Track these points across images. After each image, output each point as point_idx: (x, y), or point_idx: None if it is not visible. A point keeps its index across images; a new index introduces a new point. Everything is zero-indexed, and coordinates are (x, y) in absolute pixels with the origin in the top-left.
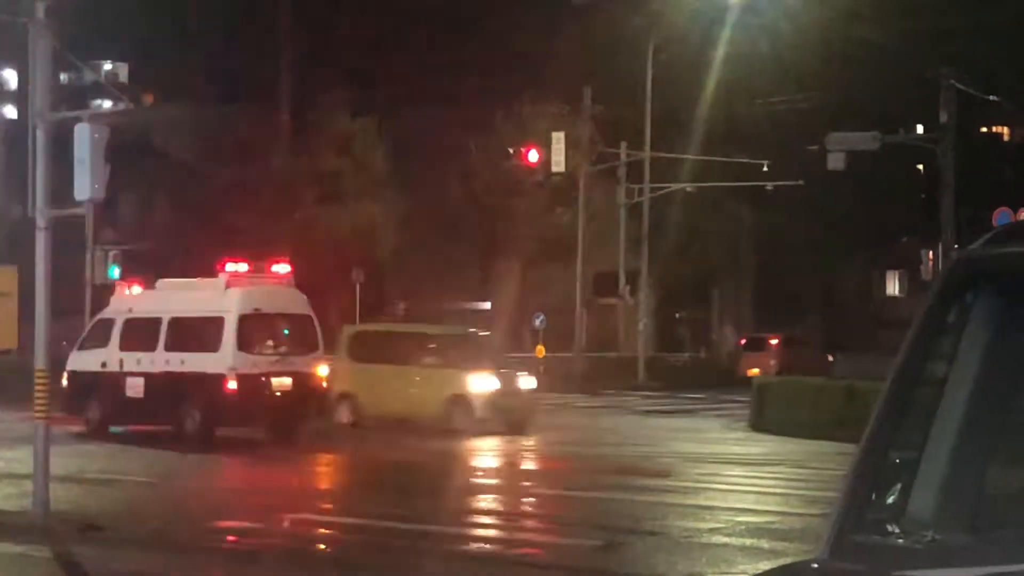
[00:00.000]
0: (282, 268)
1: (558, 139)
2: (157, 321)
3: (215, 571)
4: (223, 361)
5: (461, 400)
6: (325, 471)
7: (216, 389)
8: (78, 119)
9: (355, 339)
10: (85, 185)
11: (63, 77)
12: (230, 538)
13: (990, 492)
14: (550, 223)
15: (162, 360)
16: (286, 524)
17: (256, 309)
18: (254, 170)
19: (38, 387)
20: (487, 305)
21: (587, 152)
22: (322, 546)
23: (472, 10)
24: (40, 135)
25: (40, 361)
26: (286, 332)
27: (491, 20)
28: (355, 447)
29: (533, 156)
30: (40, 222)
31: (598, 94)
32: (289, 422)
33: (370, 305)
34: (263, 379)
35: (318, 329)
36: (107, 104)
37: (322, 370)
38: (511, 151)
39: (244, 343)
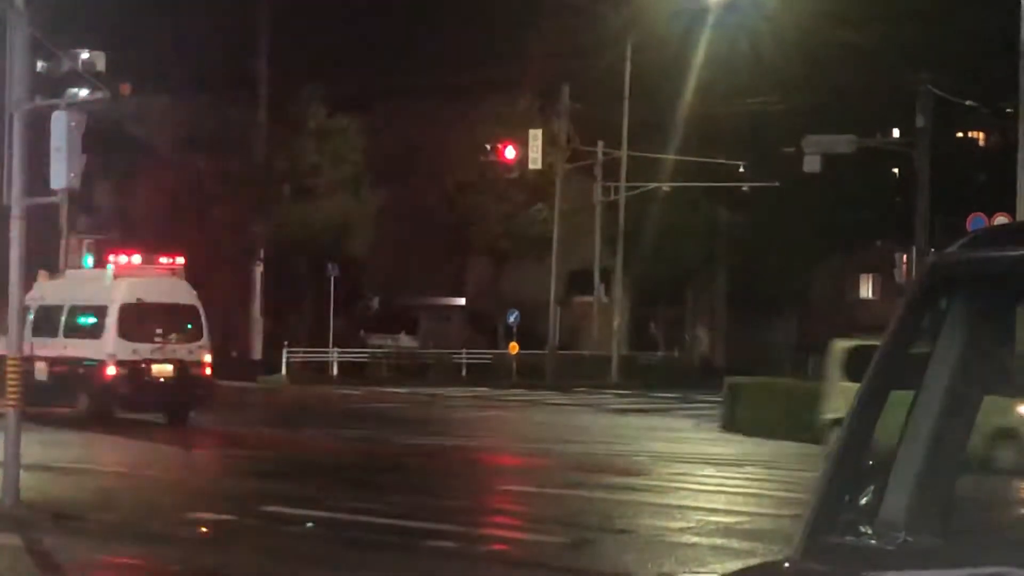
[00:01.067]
0: (173, 260)
1: (535, 136)
2: (60, 309)
3: (186, 560)
4: (104, 348)
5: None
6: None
7: (99, 375)
8: (55, 107)
9: (853, 356)
10: (61, 173)
11: (40, 66)
12: (201, 528)
13: (961, 495)
14: (526, 220)
15: (60, 346)
16: (256, 514)
17: (139, 299)
18: (230, 162)
19: (10, 376)
20: (461, 301)
21: (564, 150)
22: (290, 537)
23: (450, 7)
24: (16, 123)
25: (12, 349)
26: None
27: (469, 17)
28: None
29: (510, 153)
30: (15, 210)
31: (576, 92)
32: (173, 408)
33: (344, 300)
34: (143, 366)
35: (203, 319)
36: (84, 93)
37: (206, 358)
38: (488, 147)
39: (125, 332)
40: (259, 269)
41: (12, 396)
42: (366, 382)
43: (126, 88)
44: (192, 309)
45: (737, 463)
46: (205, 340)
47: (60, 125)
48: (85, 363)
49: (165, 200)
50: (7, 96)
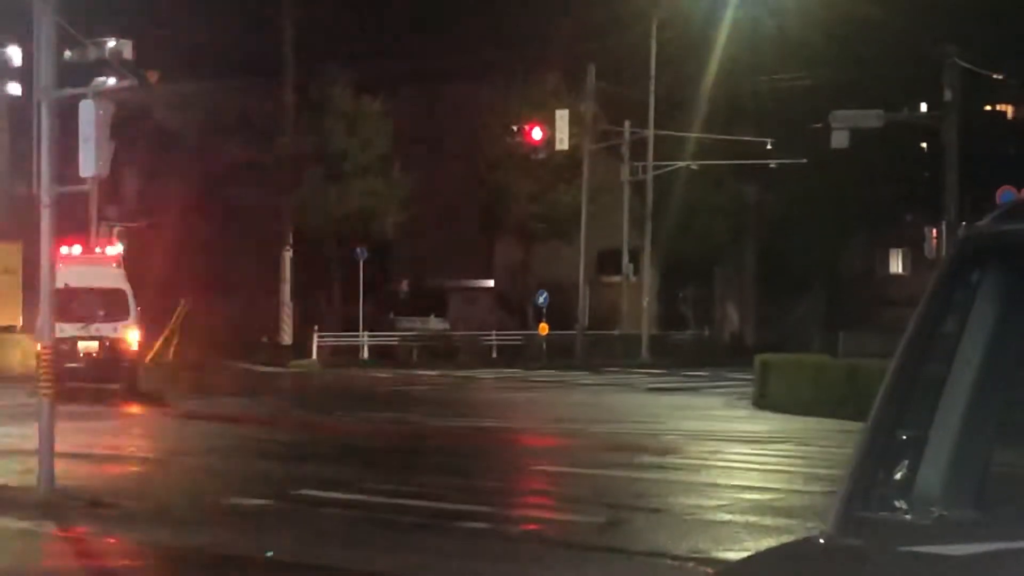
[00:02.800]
0: (112, 250)
1: (562, 117)
2: None
3: (221, 544)
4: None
5: None
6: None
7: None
8: (83, 96)
9: None
10: (90, 162)
11: (67, 54)
12: (236, 513)
13: (996, 469)
14: (553, 201)
15: None
16: (290, 498)
17: (65, 284)
18: (258, 148)
19: (42, 363)
20: (490, 283)
21: (590, 130)
22: (326, 520)
23: None
24: (45, 112)
25: (44, 338)
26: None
27: None
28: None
29: (537, 134)
30: (45, 199)
31: (601, 72)
32: (98, 379)
33: (373, 283)
34: (70, 344)
35: (130, 301)
36: (111, 81)
37: (131, 335)
38: (514, 129)
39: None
40: (288, 254)
41: (45, 384)
42: (396, 365)
43: (154, 75)
44: (119, 292)
45: (769, 440)
46: (131, 320)
47: (88, 114)
48: None
49: (193, 187)
50: (35, 85)
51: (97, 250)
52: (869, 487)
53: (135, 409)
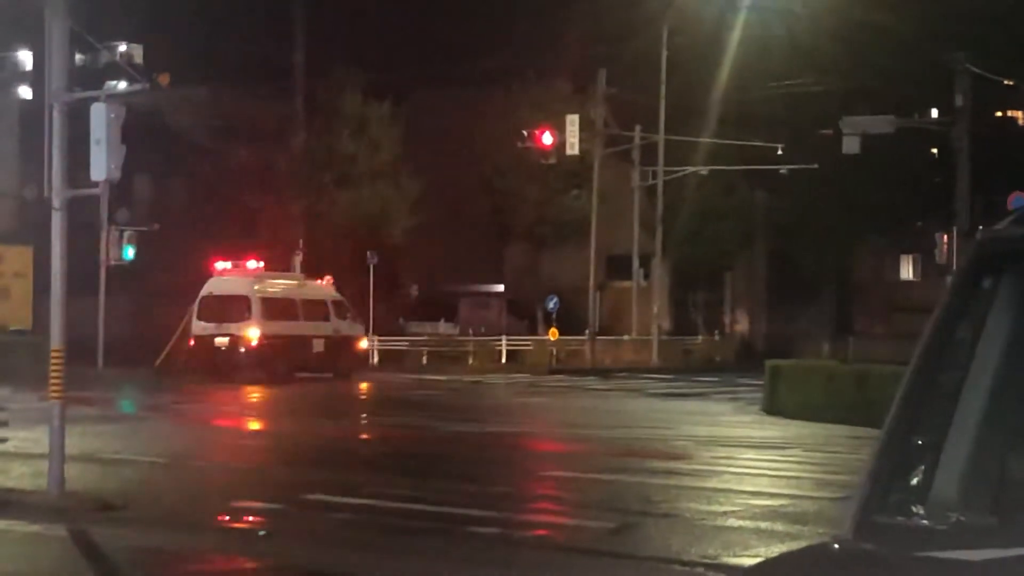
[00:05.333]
0: (252, 264)
1: (572, 121)
2: None
3: (231, 548)
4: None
5: None
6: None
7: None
8: (94, 99)
9: None
10: (101, 165)
11: (79, 58)
12: (246, 517)
13: (1014, 474)
14: (563, 206)
15: None
16: (300, 502)
17: (211, 293)
18: (269, 152)
19: (53, 367)
20: (500, 288)
21: (601, 135)
22: (333, 525)
23: None
24: (56, 116)
25: (56, 341)
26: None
27: (505, 3)
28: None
29: (547, 139)
30: (56, 202)
31: (612, 77)
32: (227, 366)
33: (383, 287)
34: (210, 338)
35: (253, 304)
36: (123, 85)
37: (251, 332)
38: (525, 133)
39: (202, 315)
40: (299, 258)
41: (55, 388)
42: (406, 369)
43: (165, 79)
44: (245, 298)
45: (779, 446)
46: (252, 319)
47: (100, 117)
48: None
49: (204, 191)
50: (46, 88)
51: (248, 264)
52: (886, 492)
53: (151, 412)
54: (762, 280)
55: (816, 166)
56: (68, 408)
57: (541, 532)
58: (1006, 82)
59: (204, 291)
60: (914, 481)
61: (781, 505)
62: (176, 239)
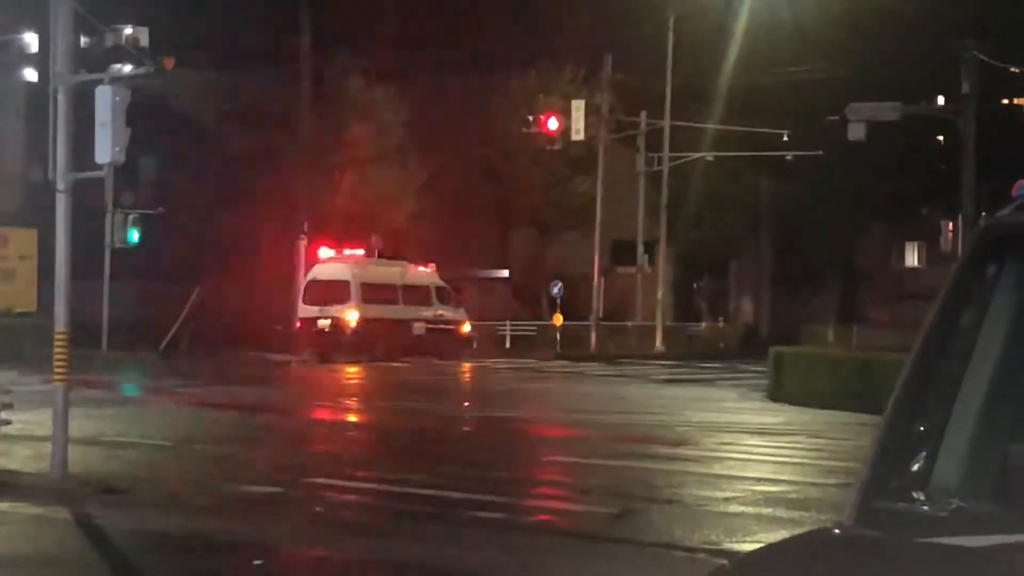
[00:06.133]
0: (355, 251)
1: (578, 107)
2: None
3: (234, 531)
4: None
5: None
6: (345, 438)
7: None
8: (99, 82)
9: None
10: (106, 148)
11: (84, 41)
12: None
13: (1014, 461)
14: (569, 191)
15: None
16: (304, 487)
17: (314, 278)
18: (274, 135)
19: (58, 350)
20: (505, 273)
21: (607, 120)
22: (335, 509)
23: None
24: (61, 98)
25: (60, 324)
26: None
27: None
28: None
29: (552, 124)
30: (60, 185)
31: (618, 62)
32: (329, 347)
33: None
34: (313, 320)
35: (354, 288)
36: (128, 68)
37: (351, 315)
38: (530, 119)
39: (307, 299)
40: (304, 242)
41: (59, 370)
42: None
43: (170, 62)
44: (345, 283)
45: (783, 432)
46: (353, 302)
47: (105, 100)
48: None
49: (209, 174)
50: (51, 71)
51: (347, 251)
52: (887, 478)
53: (155, 396)
54: (767, 267)
55: (821, 153)
56: (72, 391)
57: (544, 517)
58: (1013, 69)
59: (309, 276)
60: (915, 467)
61: (784, 491)
62: (181, 222)
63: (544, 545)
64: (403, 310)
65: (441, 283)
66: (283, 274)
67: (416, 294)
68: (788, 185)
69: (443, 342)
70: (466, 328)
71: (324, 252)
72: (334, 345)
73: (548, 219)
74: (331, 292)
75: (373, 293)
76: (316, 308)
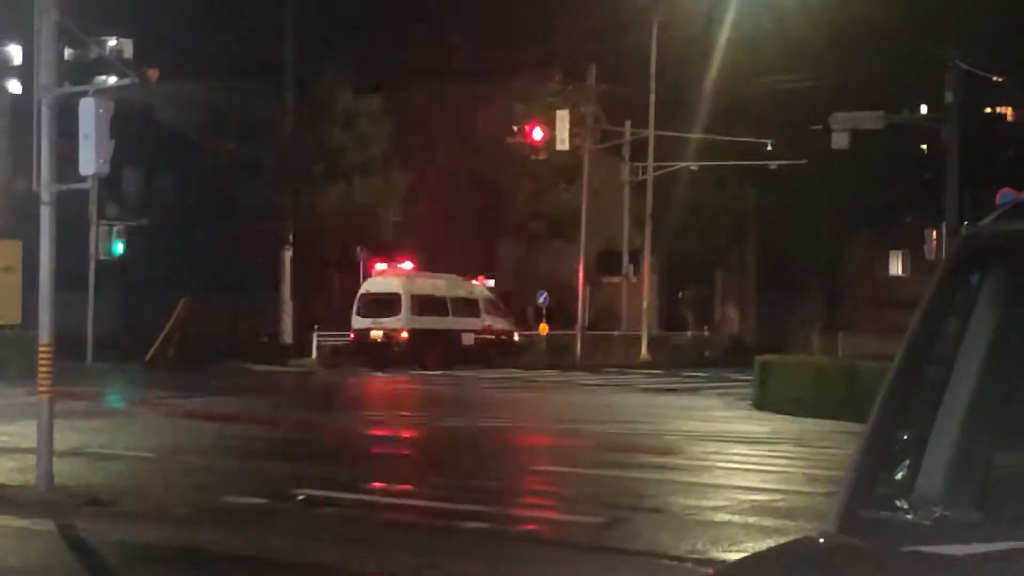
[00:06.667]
0: (405, 265)
1: (562, 117)
2: None
3: (220, 543)
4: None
5: None
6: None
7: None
8: (83, 94)
9: None
10: (90, 160)
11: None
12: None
13: (998, 469)
14: (554, 201)
15: None
16: (289, 497)
17: (367, 291)
18: (258, 146)
19: (42, 362)
20: (490, 283)
21: (591, 130)
22: (324, 519)
23: None
24: (45, 110)
25: (44, 336)
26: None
27: None
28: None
29: (537, 134)
30: (45, 197)
31: (602, 72)
32: (381, 355)
33: None
34: (366, 331)
35: (404, 300)
36: (112, 79)
37: (402, 327)
38: (515, 129)
39: (360, 311)
40: (288, 253)
41: (44, 382)
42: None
43: (154, 74)
44: (396, 296)
45: (769, 441)
46: (404, 314)
47: (88, 112)
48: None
49: (194, 185)
50: (35, 83)
51: (400, 265)
52: (870, 487)
53: (140, 407)
54: (752, 275)
55: (806, 162)
56: (57, 403)
57: (531, 527)
58: (995, 78)
59: (362, 289)
60: (899, 476)
61: (770, 500)
62: (166, 233)
63: (530, 554)
64: (452, 321)
65: (489, 295)
66: (268, 285)
67: (465, 306)
68: (773, 194)
69: (491, 352)
70: (515, 338)
71: (378, 266)
72: (386, 355)
73: (534, 229)
74: (383, 305)
75: (423, 305)
76: (369, 320)
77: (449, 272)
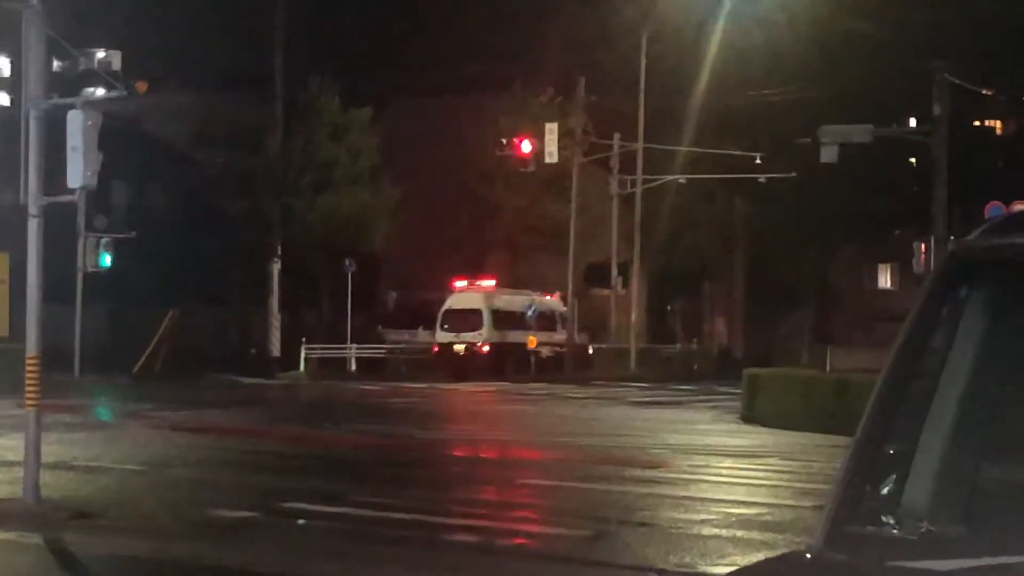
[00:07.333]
0: (486, 283)
1: (551, 130)
2: None
3: (207, 556)
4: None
5: None
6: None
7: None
8: (71, 106)
9: None
10: (78, 172)
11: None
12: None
13: (984, 484)
14: (542, 213)
15: None
16: (277, 510)
17: (451, 307)
18: (247, 158)
19: (29, 374)
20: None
21: (580, 143)
22: (309, 534)
23: (466, 0)
24: (33, 122)
25: (32, 348)
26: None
27: (485, 10)
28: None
29: (526, 147)
30: (32, 209)
31: (591, 85)
32: (463, 368)
33: (361, 295)
34: (449, 345)
35: (485, 315)
36: (100, 91)
37: (482, 340)
38: (504, 141)
39: (443, 326)
40: (277, 265)
41: (31, 395)
42: (384, 378)
43: (143, 86)
44: (478, 311)
45: (757, 455)
46: (485, 329)
47: (77, 124)
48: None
49: (182, 197)
50: (23, 95)
51: (480, 282)
52: (856, 501)
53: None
54: (740, 288)
55: (794, 175)
56: (44, 415)
57: (519, 540)
58: (984, 92)
59: (445, 305)
60: (885, 490)
61: (758, 514)
62: (154, 245)
63: (518, 568)
64: (534, 335)
65: (565, 310)
66: (256, 297)
67: (542, 320)
68: (761, 207)
69: (566, 364)
70: (589, 351)
71: (459, 284)
72: (468, 367)
73: (522, 241)
74: (465, 319)
75: (503, 320)
76: (452, 334)
77: (528, 287)
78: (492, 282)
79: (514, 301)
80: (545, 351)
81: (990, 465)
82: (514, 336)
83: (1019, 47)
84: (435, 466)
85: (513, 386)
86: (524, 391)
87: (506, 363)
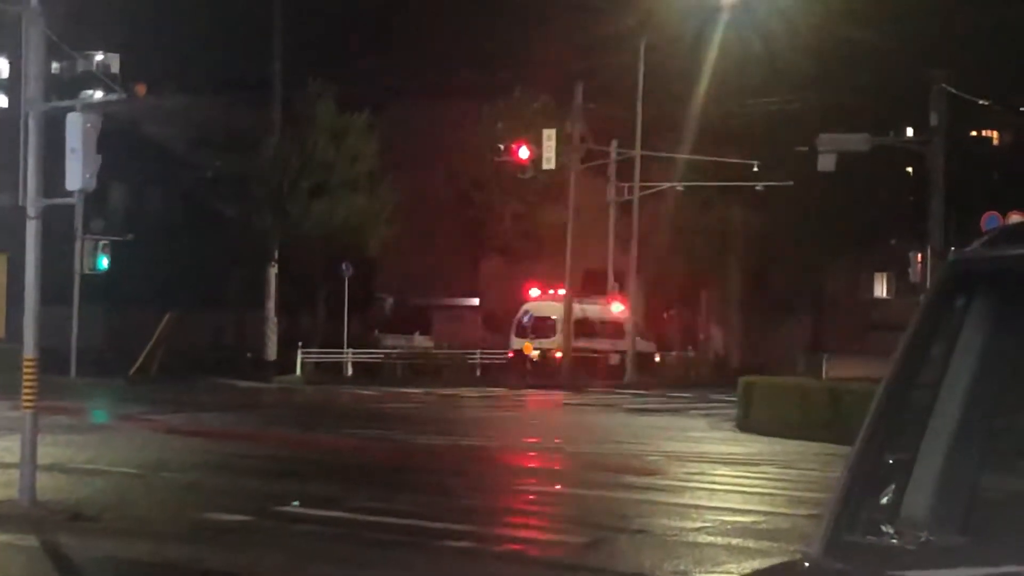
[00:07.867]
0: (560, 291)
1: (549, 136)
2: None
3: (203, 560)
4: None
5: None
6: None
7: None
8: (70, 108)
9: None
10: (77, 175)
11: (55, 67)
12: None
13: (984, 494)
14: (539, 220)
15: None
16: (273, 514)
17: (526, 312)
18: (245, 162)
19: (26, 376)
20: (475, 301)
21: (577, 150)
22: (305, 538)
23: (464, 6)
24: (32, 124)
25: (29, 350)
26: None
27: (484, 16)
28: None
29: (523, 153)
30: (31, 211)
31: (589, 91)
32: (538, 375)
33: (358, 300)
34: (524, 351)
35: (557, 323)
36: (99, 94)
37: (553, 344)
38: (501, 148)
39: (519, 332)
40: (273, 270)
41: (28, 397)
42: (381, 382)
43: (141, 89)
44: (554, 320)
45: (752, 462)
46: (557, 336)
47: (75, 126)
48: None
49: (180, 201)
50: (22, 97)
51: (555, 291)
52: (856, 511)
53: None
54: (737, 296)
55: (791, 183)
56: (41, 417)
57: (514, 546)
58: (981, 102)
59: (520, 313)
60: (884, 500)
61: (753, 521)
62: (151, 248)
63: (513, 573)
64: (602, 342)
65: (635, 318)
66: (253, 302)
67: (612, 328)
68: (758, 215)
69: (634, 369)
70: (656, 359)
71: (533, 292)
72: (543, 373)
73: (519, 247)
74: (538, 327)
75: (576, 327)
76: (527, 340)
77: (596, 294)
78: (564, 291)
79: (587, 309)
80: (614, 358)
81: (989, 475)
82: (586, 343)
83: (1017, 57)
84: (431, 470)
85: (511, 392)
86: (525, 396)
87: (579, 369)
